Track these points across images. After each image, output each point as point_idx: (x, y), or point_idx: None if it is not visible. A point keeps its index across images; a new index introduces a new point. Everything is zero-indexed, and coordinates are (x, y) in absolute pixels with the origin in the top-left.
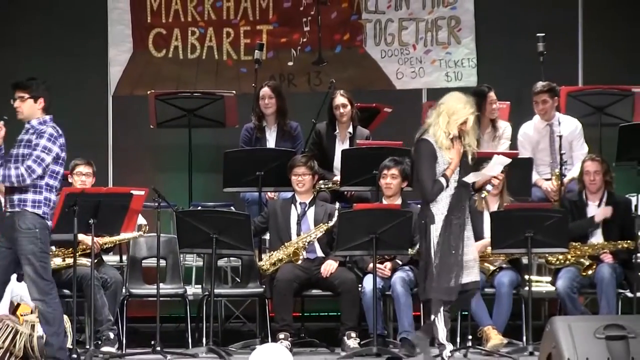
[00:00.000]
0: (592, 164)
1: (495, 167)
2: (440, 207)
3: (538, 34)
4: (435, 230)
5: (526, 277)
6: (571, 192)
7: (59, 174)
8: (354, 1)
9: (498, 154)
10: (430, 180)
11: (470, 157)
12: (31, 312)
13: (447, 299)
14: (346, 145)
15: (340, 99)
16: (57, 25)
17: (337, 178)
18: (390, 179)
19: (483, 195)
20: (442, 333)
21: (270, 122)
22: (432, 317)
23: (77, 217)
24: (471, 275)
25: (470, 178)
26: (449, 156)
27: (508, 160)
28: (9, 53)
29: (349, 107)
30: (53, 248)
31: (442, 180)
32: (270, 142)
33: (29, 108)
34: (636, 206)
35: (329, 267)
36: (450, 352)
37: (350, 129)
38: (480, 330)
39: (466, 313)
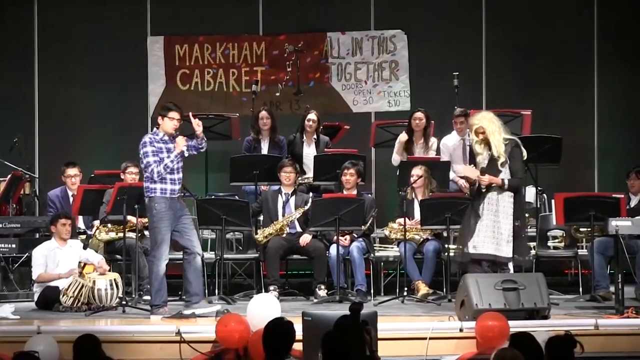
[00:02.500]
0: None
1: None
2: None
3: (454, 73)
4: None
5: (446, 245)
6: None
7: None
8: (322, 49)
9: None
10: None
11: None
12: (93, 271)
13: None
14: (312, 149)
15: (312, 115)
16: (109, 66)
17: (311, 175)
18: (349, 176)
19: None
20: None
21: (265, 136)
22: None
23: (126, 203)
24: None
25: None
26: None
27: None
28: (68, 87)
29: (316, 121)
30: (109, 225)
31: None
32: (264, 150)
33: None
34: (524, 195)
35: (305, 238)
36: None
37: (315, 136)
38: (412, 284)
39: (403, 271)
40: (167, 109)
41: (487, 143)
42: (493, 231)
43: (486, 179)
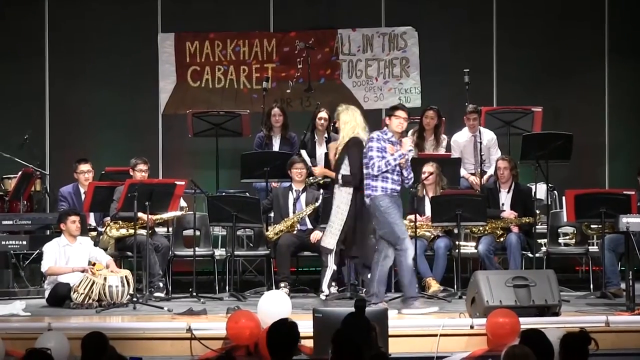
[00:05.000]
0: (502, 162)
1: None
2: None
3: (464, 69)
4: None
5: (457, 242)
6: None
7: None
8: (333, 46)
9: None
10: None
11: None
12: (106, 268)
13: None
14: (323, 147)
15: (323, 113)
16: (119, 63)
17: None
18: None
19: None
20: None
21: (276, 132)
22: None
23: (137, 200)
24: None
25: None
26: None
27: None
28: (79, 84)
29: (327, 119)
30: (120, 222)
31: None
32: (275, 147)
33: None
34: (535, 192)
35: (316, 235)
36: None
37: (326, 135)
38: (423, 281)
39: (414, 269)
40: (394, 108)
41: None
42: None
43: (318, 170)
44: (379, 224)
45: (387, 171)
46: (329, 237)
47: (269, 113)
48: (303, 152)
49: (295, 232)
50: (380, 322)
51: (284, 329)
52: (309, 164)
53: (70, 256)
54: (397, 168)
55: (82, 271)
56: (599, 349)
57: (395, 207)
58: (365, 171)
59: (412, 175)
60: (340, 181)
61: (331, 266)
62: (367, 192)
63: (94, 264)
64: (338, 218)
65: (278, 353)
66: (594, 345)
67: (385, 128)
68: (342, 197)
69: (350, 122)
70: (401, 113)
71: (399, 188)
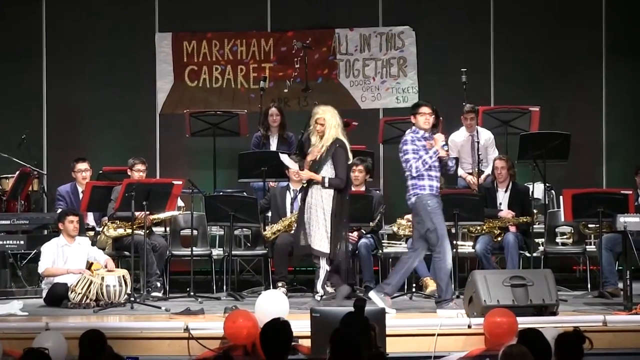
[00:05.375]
0: (500, 162)
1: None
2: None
3: (462, 69)
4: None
5: (454, 242)
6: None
7: None
8: (331, 46)
9: None
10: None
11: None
12: (103, 267)
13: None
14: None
15: None
16: (117, 63)
17: None
18: (358, 173)
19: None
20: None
21: (274, 132)
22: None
23: (134, 200)
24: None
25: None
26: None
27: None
28: (76, 84)
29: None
30: (117, 221)
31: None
32: (273, 146)
33: None
34: (532, 192)
35: None
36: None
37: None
38: (421, 280)
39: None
40: (417, 106)
41: (322, 136)
42: (311, 225)
43: (304, 175)
44: (422, 223)
45: (429, 169)
46: (320, 239)
47: (266, 113)
48: (284, 157)
49: (292, 231)
50: (378, 321)
51: (277, 329)
52: (292, 167)
53: (68, 256)
54: (436, 164)
55: (77, 273)
56: (593, 347)
57: (440, 208)
58: (406, 173)
59: (453, 164)
60: (326, 184)
61: (324, 267)
62: (414, 191)
63: (91, 264)
64: (322, 219)
65: (272, 353)
66: (589, 344)
67: (414, 127)
68: (325, 198)
69: (334, 124)
70: (424, 109)
71: (437, 185)
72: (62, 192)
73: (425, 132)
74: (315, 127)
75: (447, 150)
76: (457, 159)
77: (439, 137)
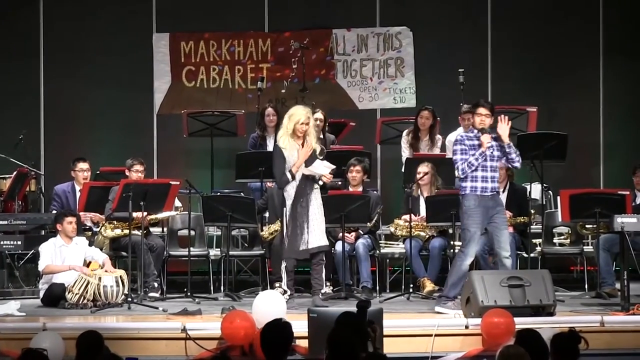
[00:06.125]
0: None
1: (321, 169)
2: (290, 194)
3: (459, 69)
4: (286, 210)
5: (451, 242)
6: None
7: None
8: (328, 46)
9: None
10: (279, 175)
11: (318, 152)
12: (100, 267)
13: (299, 257)
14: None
15: (318, 114)
16: (114, 63)
17: None
18: (355, 173)
19: (317, 185)
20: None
21: (270, 132)
22: (283, 270)
23: (131, 200)
24: (320, 241)
25: (304, 171)
26: (294, 157)
27: (331, 167)
28: (74, 84)
29: (323, 120)
30: (115, 222)
31: (288, 174)
32: (269, 147)
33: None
34: (530, 192)
35: None
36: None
37: (321, 135)
38: (418, 281)
39: (408, 268)
40: (475, 105)
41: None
42: (311, 224)
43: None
44: (461, 221)
45: (474, 170)
46: (322, 236)
47: (263, 113)
48: (319, 165)
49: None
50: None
51: (278, 329)
52: (326, 172)
53: (66, 257)
54: (489, 163)
55: (78, 270)
56: (589, 348)
57: (479, 211)
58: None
59: (517, 155)
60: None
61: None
62: (461, 191)
63: (89, 264)
64: (321, 215)
65: (272, 353)
66: (584, 344)
67: (471, 127)
68: (319, 194)
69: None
70: (481, 110)
71: (491, 185)
72: (58, 191)
73: (478, 132)
74: (310, 127)
75: (508, 145)
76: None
77: (485, 137)
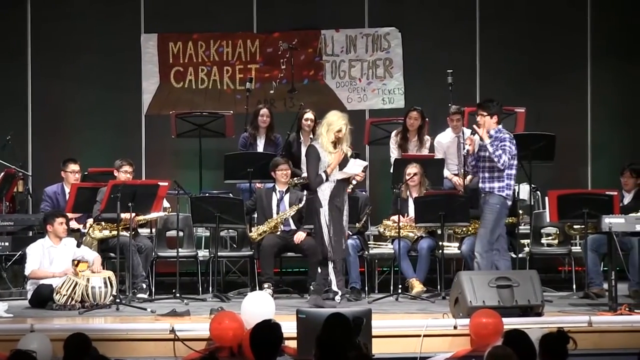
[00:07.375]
0: None
1: (355, 168)
2: (325, 195)
3: (448, 70)
4: (324, 211)
5: (440, 243)
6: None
7: (514, 167)
8: (317, 47)
9: (423, 157)
10: (314, 175)
11: (349, 156)
12: (87, 269)
13: (343, 257)
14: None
15: (309, 114)
16: (102, 64)
17: (305, 175)
18: None
19: (350, 187)
20: (335, 282)
21: (261, 133)
22: (331, 271)
23: (120, 201)
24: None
25: (337, 175)
26: (329, 158)
27: (365, 163)
28: (62, 85)
29: (313, 120)
30: (103, 223)
31: (323, 175)
32: (259, 147)
33: (488, 122)
34: (518, 193)
35: (300, 236)
36: (340, 296)
37: (312, 136)
38: (407, 281)
39: (397, 269)
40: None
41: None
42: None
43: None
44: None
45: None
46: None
47: (257, 113)
48: (355, 165)
49: (278, 233)
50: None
51: (268, 330)
52: (359, 171)
53: (54, 258)
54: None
55: (62, 276)
56: (577, 348)
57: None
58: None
59: (496, 156)
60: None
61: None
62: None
63: (78, 263)
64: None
65: (262, 354)
66: (573, 344)
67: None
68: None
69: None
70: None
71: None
72: (49, 192)
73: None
74: (337, 134)
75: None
76: (443, 160)
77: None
